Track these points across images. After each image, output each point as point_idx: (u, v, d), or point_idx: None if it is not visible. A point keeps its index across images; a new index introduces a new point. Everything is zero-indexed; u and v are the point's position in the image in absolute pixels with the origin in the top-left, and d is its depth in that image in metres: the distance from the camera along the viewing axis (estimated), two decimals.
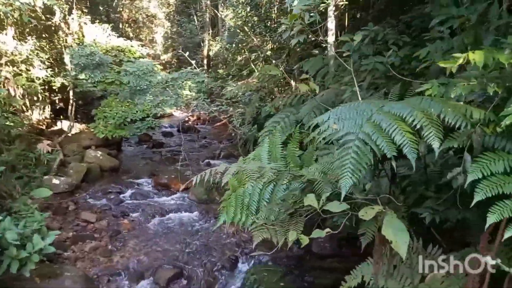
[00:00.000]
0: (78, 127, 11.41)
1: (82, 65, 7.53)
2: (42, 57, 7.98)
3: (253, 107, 8.26)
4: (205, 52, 18.38)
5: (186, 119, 15.15)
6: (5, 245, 3.71)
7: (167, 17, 27.59)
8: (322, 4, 6.43)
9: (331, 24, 7.77)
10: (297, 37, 3.79)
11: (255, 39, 8.80)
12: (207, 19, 18.42)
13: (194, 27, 19.58)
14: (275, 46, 8.83)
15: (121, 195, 7.75)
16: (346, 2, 7.77)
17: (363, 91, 5.67)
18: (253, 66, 9.17)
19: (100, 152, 9.07)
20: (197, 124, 14.84)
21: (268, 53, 8.88)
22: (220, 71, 15.89)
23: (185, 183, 8.21)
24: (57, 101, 10.07)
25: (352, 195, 2.14)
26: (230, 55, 15.48)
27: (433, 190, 2.54)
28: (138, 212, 7.00)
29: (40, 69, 7.96)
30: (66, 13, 8.37)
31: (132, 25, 26.72)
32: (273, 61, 9.15)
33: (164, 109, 8.40)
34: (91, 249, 5.59)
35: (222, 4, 17.26)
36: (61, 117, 11.01)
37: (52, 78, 8.40)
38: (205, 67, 17.77)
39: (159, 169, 9.30)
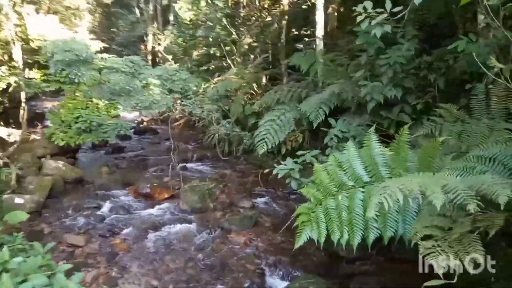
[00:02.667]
0: (16, 134, 9.90)
1: (68, 60, 6.35)
2: None
3: (239, 105, 7.77)
4: (149, 47, 17.14)
5: (139, 119, 14.00)
6: None
7: (92, 10, 25.56)
8: None
9: (319, 17, 7.56)
10: (381, 28, 3.45)
11: (234, 33, 8.27)
12: (150, 12, 17.16)
13: (135, 20, 18.14)
14: (253, 41, 8.37)
15: (100, 211, 6.79)
16: None
17: (383, 86, 5.54)
18: (230, 62, 8.63)
19: (61, 162, 7.88)
20: (152, 125, 13.77)
21: (246, 47, 8.43)
22: (172, 67, 14.93)
23: (171, 191, 7.55)
24: None
25: None
26: (182, 50, 14.66)
27: None
28: (128, 229, 6.17)
29: None
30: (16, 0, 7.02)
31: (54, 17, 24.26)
32: (251, 56, 8.71)
33: (157, 111, 7.51)
34: (93, 279, 4.76)
35: None
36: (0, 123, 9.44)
37: (7, 78, 7.02)
38: (150, 64, 16.58)
39: (132, 177, 8.37)
